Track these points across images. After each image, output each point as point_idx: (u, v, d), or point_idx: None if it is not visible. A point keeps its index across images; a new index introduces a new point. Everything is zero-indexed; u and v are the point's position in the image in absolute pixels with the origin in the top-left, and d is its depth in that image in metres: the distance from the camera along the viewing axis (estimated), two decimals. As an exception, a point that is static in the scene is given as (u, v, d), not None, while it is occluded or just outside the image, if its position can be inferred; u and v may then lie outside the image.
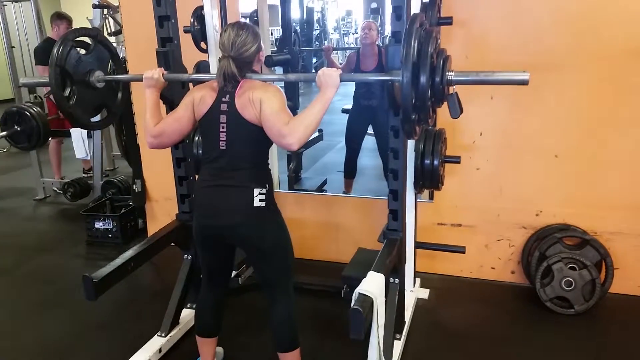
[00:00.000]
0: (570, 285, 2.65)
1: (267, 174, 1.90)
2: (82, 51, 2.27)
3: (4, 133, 4.22)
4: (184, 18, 2.55)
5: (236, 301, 2.86)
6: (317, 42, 8.28)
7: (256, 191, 1.81)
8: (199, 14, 2.74)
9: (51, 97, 4.67)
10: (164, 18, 2.34)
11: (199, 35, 2.77)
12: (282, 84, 3.53)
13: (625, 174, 2.72)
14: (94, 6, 4.46)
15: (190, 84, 2.29)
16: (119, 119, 4.02)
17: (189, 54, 2.60)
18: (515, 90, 2.76)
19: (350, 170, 4.17)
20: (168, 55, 2.32)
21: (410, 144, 2.39)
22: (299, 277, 2.75)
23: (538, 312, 2.70)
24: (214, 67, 2.67)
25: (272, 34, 5.27)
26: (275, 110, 1.72)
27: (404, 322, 2.50)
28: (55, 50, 2.08)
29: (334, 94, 1.75)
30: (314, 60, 7.27)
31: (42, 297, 3.10)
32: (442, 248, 2.82)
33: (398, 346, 2.36)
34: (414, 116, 1.65)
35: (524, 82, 1.63)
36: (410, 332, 2.56)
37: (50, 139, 4.99)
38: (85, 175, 5.34)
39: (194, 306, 2.43)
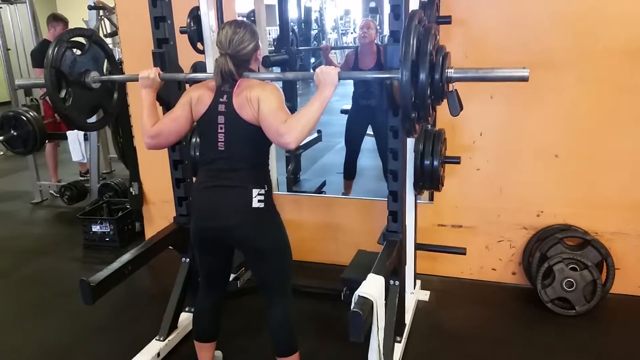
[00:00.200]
0: (572, 286, 2.63)
1: (266, 174, 1.88)
2: (77, 52, 2.25)
3: (1, 138, 4.20)
4: (180, 19, 2.53)
5: (235, 304, 2.84)
6: (315, 42, 8.26)
7: (255, 192, 1.79)
8: (195, 15, 2.72)
9: (47, 98, 4.65)
10: (160, 19, 2.32)
11: (196, 36, 2.75)
12: (280, 83, 3.51)
13: (626, 174, 2.71)
14: (90, 7, 4.44)
15: (187, 85, 2.27)
16: (115, 122, 4.00)
17: (186, 55, 2.57)
18: (515, 90, 2.75)
19: (349, 171, 4.15)
20: (164, 57, 2.30)
21: (410, 144, 2.38)
22: (298, 279, 2.73)
23: (539, 313, 2.69)
24: (210, 68, 2.66)
25: (269, 34, 5.26)
26: (273, 109, 1.70)
27: (405, 324, 2.48)
28: (50, 52, 2.07)
29: (332, 92, 1.73)
30: (312, 60, 7.26)
31: (39, 301, 3.08)
32: (443, 249, 2.81)
33: (398, 349, 2.34)
34: (413, 114, 1.63)
35: (523, 79, 1.61)
36: (410, 334, 2.54)
37: (46, 142, 4.97)
38: (82, 178, 5.32)
39: (192, 310, 2.40)
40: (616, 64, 2.59)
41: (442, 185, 2.51)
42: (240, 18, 3.23)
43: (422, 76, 1.57)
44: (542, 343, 2.47)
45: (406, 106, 1.60)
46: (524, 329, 2.60)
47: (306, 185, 4.43)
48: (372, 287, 1.82)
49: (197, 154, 2.54)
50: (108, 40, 4.78)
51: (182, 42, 2.53)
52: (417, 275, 2.87)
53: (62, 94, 2.14)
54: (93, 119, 2.64)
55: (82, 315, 2.83)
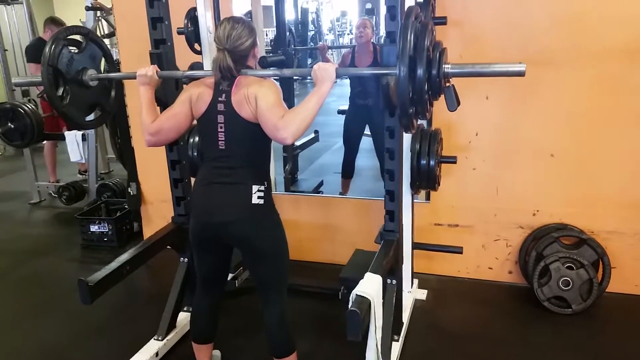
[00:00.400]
0: (568, 285, 2.65)
1: (266, 171, 1.88)
2: (74, 50, 2.25)
3: (-2, 130, 4.20)
4: (177, 19, 2.54)
5: (233, 303, 2.84)
6: (312, 43, 8.28)
7: (254, 188, 1.80)
8: (192, 16, 2.72)
9: (45, 96, 4.65)
10: (157, 20, 2.32)
11: (193, 36, 2.75)
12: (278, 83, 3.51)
13: (622, 173, 2.72)
14: (87, 8, 4.44)
15: (184, 85, 2.27)
16: (113, 122, 4.00)
17: (183, 56, 2.58)
18: (511, 90, 2.77)
19: (348, 170, 4.17)
20: (162, 57, 2.30)
21: (406, 144, 2.39)
22: (296, 279, 2.75)
23: (536, 312, 2.70)
24: (207, 69, 2.66)
25: (266, 35, 5.27)
26: (271, 105, 1.71)
27: (402, 323, 2.49)
28: (47, 49, 2.06)
29: (329, 88, 1.73)
30: (309, 61, 7.27)
31: (38, 302, 3.08)
32: (440, 248, 2.82)
33: (396, 347, 2.35)
34: (411, 110, 1.64)
35: (520, 74, 1.62)
36: (408, 333, 2.55)
37: (45, 141, 4.97)
38: (81, 177, 5.32)
39: (190, 310, 2.41)
40: (613, 64, 2.60)
41: (439, 185, 2.52)
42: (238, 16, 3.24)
43: (420, 71, 1.57)
44: (539, 342, 2.49)
45: (404, 102, 1.60)
46: (520, 328, 2.61)
47: (304, 185, 4.44)
48: (370, 286, 1.83)
49: (195, 154, 2.56)
50: (105, 41, 4.78)
51: (179, 43, 2.54)
52: (414, 274, 2.88)
53: (60, 92, 2.14)
54: (90, 117, 2.65)
55: (81, 315, 2.83)
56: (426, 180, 2.44)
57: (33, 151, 5.00)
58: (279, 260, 1.91)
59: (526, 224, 2.93)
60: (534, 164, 2.84)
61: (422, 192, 2.95)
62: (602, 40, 2.59)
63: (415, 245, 2.77)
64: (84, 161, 4.69)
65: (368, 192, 4.14)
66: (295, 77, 5.10)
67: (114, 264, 2.17)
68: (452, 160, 2.54)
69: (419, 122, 1.84)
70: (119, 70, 3.06)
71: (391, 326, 2.17)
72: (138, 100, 1.98)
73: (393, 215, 2.25)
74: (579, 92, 2.69)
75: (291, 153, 4.28)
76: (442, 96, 1.71)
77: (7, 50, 5.43)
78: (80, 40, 2.30)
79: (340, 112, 4.26)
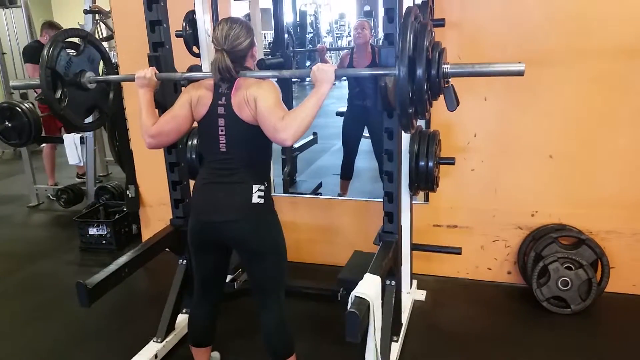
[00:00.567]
0: (567, 285, 2.65)
1: (267, 172, 1.89)
2: (73, 52, 2.25)
3: (-5, 129, 4.18)
4: (175, 22, 2.54)
5: (232, 305, 2.83)
6: (310, 45, 8.29)
7: (255, 187, 1.80)
8: (190, 19, 2.73)
9: (43, 99, 4.65)
10: (156, 23, 2.32)
11: (191, 39, 2.76)
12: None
13: (620, 173, 2.73)
14: (86, 12, 4.44)
15: (182, 88, 2.27)
16: (112, 125, 4.00)
17: (181, 59, 2.59)
18: (509, 91, 2.77)
19: (347, 171, 4.17)
20: (160, 60, 2.30)
21: (405, 145, 2.39)
22: (295, 280, 2.76)
23: (535, 312, 2.70)
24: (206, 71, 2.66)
25: (265, 38, 5.28)
26: (270, 106, 1.71)
27: (401, 324, 2.49)
28: (45, 52, 2.06)
29: (328, 89, 1.73)
30: (308, 63, 7.28)
31: (36, 304, 3.08)
32: (438, 249, 2.82)
33: (395, 348, 2.35)
34: (411, 109, 1.64)
35: (519, 73, 1.62)
36: (407, 334, 2.55)
37: (43, 144, 4.97)
38: (79, 180, 5.31)
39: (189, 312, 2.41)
40: (611, 64, 2.61)
41: (437, 186, 2.53)
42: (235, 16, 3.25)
43: (419, 72, 1.57)
44: (538, 342, 2.49)
45: (403, 102, 1.60)
46: (519, 328, 2.61)
47: (302, 186, 4.43)
48: (369, 287, 1.83)
49: (194, 156, 2.56)
50: (104, 44, 4.79)
51: (177, 46, 2.54)
52: (413, 275, 2.88)
53: (58, 94, 2.14)
54: (89, 119, 2.65)
55: (79, 317, 2.83)
56: (425, 181, 2.44)
57: (31, 154, 5.00)
58: (277, 261, 1.90)
59: (525, 225, 2.93)
60: (533, 164, 2.84)
61: (421, 194, 2.96)
62: (601, 40, 2.59)
63: (414, 246, 2.77)
64: (82, 164, 4.69)
65: (367, 193, 4.14)
66: (294, 79, 5.10)
67: (113, 267, 2.16)
68: (451, 161, 2.54)
69: (418, 123, 1.85)
70: (117, 73, 3.06)
71: (390, 327, 2.17)
72: (137, 103, 1.97)
73: (392, 216, 2.25)
74: (577, 92, 2.70)
75: (290, 155, 4.28)
76: (441, 96, 1.72)
77: (5, 53, 5.44)
78: (79, 42, 2.30)
79: (339, 114, 4.27)
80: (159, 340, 2.45)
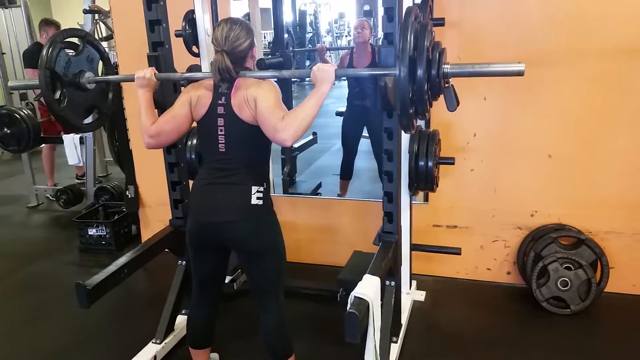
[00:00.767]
0: (566, 285, 2.65)
1: (266, 173, 1.88)
2: (72, 52, 2.25)
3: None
4: (175, 22, 2.54)
5: (231, 306, 2.83)
6: (310, 45, 8.29)
7: (254, 189, 1.80)
8: (190, 18, 2.72)
9: (42, 100, 4.66)
10: (155, 22, 2.32)
11: (191, 39, 2.75)
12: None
13: (620, 173, 2.73)
14: (85, 11, 4.44)
15: (182, 88, 2.27)
16: (111, 125, 4.00)
17: (181, 59, 2.58)
18: (508, 91, 2.77)
19: (346, 171, 4.17)
20: (159, 60, 2.30)
21: (404, 145, 2.39)
22: (294, 281, 2.76)
23: (534, 312, 2.70)
24: (206, 71, 2.66)
25: (264, 38, 5.27)
26: (270, 106, 1.71)
27: (401, 324, 2.49)
28: (44, 52, 2.06)
29: (329, 89, 1.73)
30: (307, 62, 7.28)
31: (35, 305, 3.07)
32: (438, 250, 2.82)
33: (395, 349, 2.35)
34: (411, 110, 1.64)
35: (519, 73, 1.62)
36: (406, 334, 2.55)
37: (43, 145, 4.96)
38: (79, 181, 5.31)
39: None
40: (610, 64, 2.61)
41: (437, 186, 2.52)
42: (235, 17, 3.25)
43: (420, 72, 1.57)
44: (537, 342, 2.48)
45: (404, 102, 1.60)
46: (519, 328, 2.61)
47: (302, 187, 4.44)
48: (368, 287, 1.83)
49: (193, 156, 2.56)
50: (103, 44, 4.78)
51: (177, 46, 2.54)
52: (412, 276, 2.88)
53: (57, 95, 2.13)
54: (88, 120, 2.64)
55: (79, 318, 2.83)
56: (424, 181, 2.44)
57: (31, 155, 4.99)
58: (277, 261, 1.90)
59: (524, 225, 2.93)
60: (532, 164, 2.84)
61: (421, 194, 2.96)
62: (601, 40, 2.59)
63: (414, 247, 2.77)
64: (81, 164, 4.69)
65: (366, 193, 4.14)
66: (293, 79, 5.10)
67: (112, 268, 2.16)
68: (450, 161, 2.54)
69: (417, 123, 1.85)
70: (116, 73, 3.05)
71: (390, 328, 2.17)
72: (136, 103, 1.97)
73: (391, 216, 2.25)
74: (577, 92, 2.70)
75: (290, 155, 4.28)
76: (441, 96, 1.72)
77: (4, 53, 5.43)
78: (78, 43, 2.29)
79: (339, 113, 4.26)
80: (158, 342, 2.45)
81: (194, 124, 1.92)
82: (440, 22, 2.58)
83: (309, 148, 4.81)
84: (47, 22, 4.79)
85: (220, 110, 1.79)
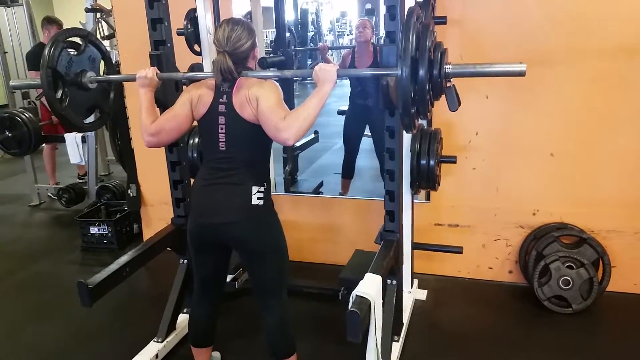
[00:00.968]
0: (568, 284, 2.64)
1: (266, 172, 1.88)
2: (73, 52, 2.25)
3: (-5, 138, 4.21)
4: (177, 21, 2.54)
5: (233, 305, 2.84)
6: (311, 44, 8.29)
7: (254, 189, 1.80)
8: (192, 17, 2.73)
9: (44, 100, 4.66)
10: (157, 21, 2.32)
11: (193, 37, 2.76)
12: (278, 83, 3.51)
13: (622, 172, 2.72)
14: (87, 10, 4.45)
15: (184, 87, 2.27)
16: (113, 124, 4.01)
17: (183, 57, 2.58)
18: (510, 90, 2.77)
19: (348, 170, 4.17)
20: (161, 58, 2.30)
21: (406, 144, 2.39)
22: (296, 280, 2.75)
23: (536, 311, 2.70)
24: (207, 70, 2.66)
25: (266, 36, 5.27)
26: (271, 105, 1.71)
27: (402, 323, 2.49)
28: (46, 52, 2.06)
29: (330, 89, 1.73)
30: (309, 61, 7.27)
31: (37, 304, 3.08)
32: (440, 249, 2.81)
33: (396, 348, 2.35)
34: (413, 109, 1.64)
35: (521, 74, 1.62)
36: (408, 333, 2.55)
37: (44, 144, 4.97)
38: (81, 181, 5.32)
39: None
40: (611, 63, 2.60)
41: (439, 185, 2.52)
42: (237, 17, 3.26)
43: (421, 72, 1.57)
44: (539, 341, 2.48)
45: (406, 102, 1.60)
46: (520, 327, 2.61)
47: (303, 185, 4.44)
48: (370, 286, 1.83)
49: (195, 155, 2.56)
50: (105, 43, 4.79)
51: (179, 44, 2.54)
52: (414, 275, 2.88)
53: (59, 94, 2.13)
54: (90, 119, 2.65)
55: (81, 317, 2.83)
56: (426, 180, 2.44)
57: (33, 154, 4.99)
58: (278, 261, 1.90)
59: (526, 224, 2.93)
60: (534, 163, 2.84)
61: (422, 192, 2.95)
62: (601, 40, 2.59)
63: (415, 246, 2.77)
64: (83, 163, 4.69)
65: (368, 192, 4.14)
66: (295, 78, 5.10)
67: (114, 266, 2.16)
68: (452, 160, 2.54)
69: (419, 121, 1.85)
70: (118, 72, 3.06)
71: (391, 327, 2.16)
72: (138, 102, 1.97)
73: (393, 215, 2.24)
74: (578, 91, 2.69)
75: (291, 154, 4.28)
76: (443, 96, 1.72)
77: (7, 52, 5.43)
78: (80, 42, 2.29)
79: (341, 112, 4.27)
80: (160, 340, 2.45)
81: (195, 123, 1.92)
82: (442, 21, 2.58)
83: (311, 147, 4.81)
84: (50, 21, 4.80)
85: (222, 108, 1.79)
